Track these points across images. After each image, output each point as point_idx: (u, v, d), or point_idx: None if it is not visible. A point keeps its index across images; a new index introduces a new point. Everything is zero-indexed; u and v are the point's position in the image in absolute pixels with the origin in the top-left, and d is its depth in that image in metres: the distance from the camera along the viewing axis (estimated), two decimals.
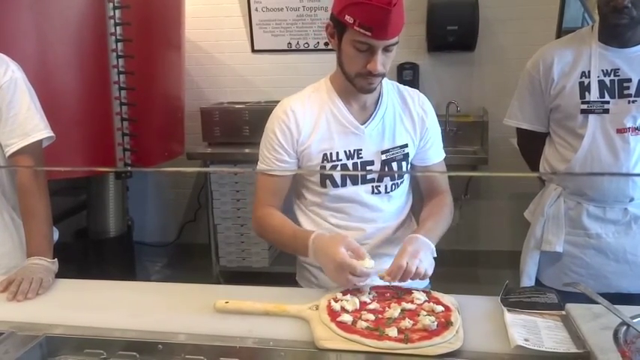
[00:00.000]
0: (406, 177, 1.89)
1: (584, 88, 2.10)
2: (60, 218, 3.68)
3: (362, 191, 1.82)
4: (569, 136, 2.17)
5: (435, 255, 1.71)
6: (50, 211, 1.93)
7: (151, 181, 4.93)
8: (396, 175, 1.84)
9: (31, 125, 1.90)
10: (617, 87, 2.09)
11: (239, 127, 4.14)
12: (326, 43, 4.42)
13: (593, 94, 2.09)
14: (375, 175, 1.82)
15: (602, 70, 2.10)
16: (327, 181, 1.81)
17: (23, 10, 3.05)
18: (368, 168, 1.80)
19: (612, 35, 2.09)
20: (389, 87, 1.86)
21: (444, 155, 1.94)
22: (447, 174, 1.77)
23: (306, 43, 4.48)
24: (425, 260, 1.61)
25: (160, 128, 3.86)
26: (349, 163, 1.79)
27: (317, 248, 1.63)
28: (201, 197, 4.68)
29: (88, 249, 4.00)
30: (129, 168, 3.64)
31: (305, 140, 1.79)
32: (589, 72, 2.10)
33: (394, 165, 1.82)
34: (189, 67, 4.45)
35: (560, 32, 3.94)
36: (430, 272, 1.61)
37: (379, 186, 1.82)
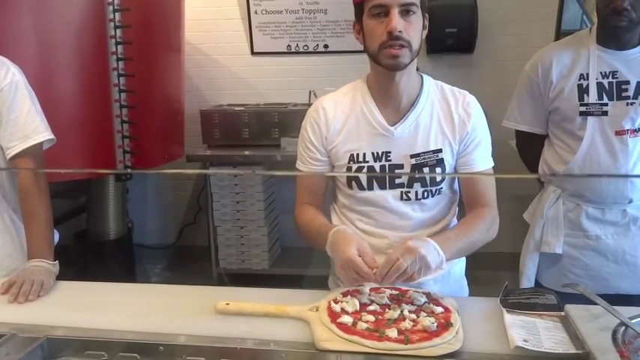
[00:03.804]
0: (445, 185, 1.76)
1: (582, 91, 2.11)
2: (60, 220, 3.67)
3: (390, 196, 1.73)
4: (568, 138, 2.18)
5: (443, 268, 1.60)
6: (51, 213, 1.94)
7: (151, 184, 4.93)
8: (428, 182, 1.72)
9: (32, 128, 1.90)
10: (615, 89, 2.09)
11: (239, 130, 4.14)
12: (325, 46, 4.43)
13: (592, 97, 2.10)
14: (404, 180, 1.72)
15: (601, 73, 2.11)
16: (353, 183, 1.75)
17: (23, 12, 3.06)
18: (397, 172, 1.72)
19: (611, 37, 2.10)
20: (431, 87, 1.77)
21: (491, 164, 1.80)
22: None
23: (306, 45, 4.49)
24: (420, 261, 1.48)
25: (159, 130, 3.87)
26: (376, 166, 1.72)
27: (333, 242, 1.62)
28: (201, 199, 4.68)
29: (88, 251, 4.00)
30: (129, 170, 3.64)
31: (333, 139, 1.76)
32: (587, 74, 2.11)
33: (426, 170, 1.72)
34: (189, 69, 4.46)
35: (559, 34, 3.95)
36: (417, 276, 1.49)
37: (409, 192, 1.73)
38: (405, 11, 1.60)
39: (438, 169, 1.72)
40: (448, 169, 1.74)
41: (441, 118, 1.74)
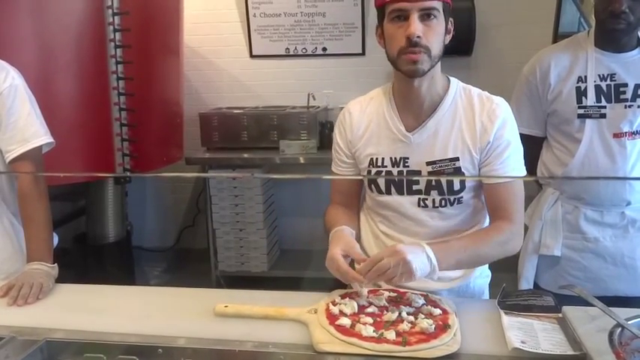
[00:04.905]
0: (466, 195, 1.71)
1: (580, 93, 2.11)
2: (59, 223, 3.68)
3: (407, 202, 1.72)
4: (567, 140, 2.18)
5: (434, 279, 1.57)
6: (50, 216, 1.94)
7: (150, 187, 4.93)
8: (445, 190, 1.69)
9: (31, 131, 1.91)
10: (613, 92, 2.10)
11: (237, 132, 4.15)
12: (324, 49, 4.44)
13: (590, 99, 2.10)
14: (421, 187, 1.70)
15: (599, 75, 2.11)
16: (373, 187, 1.76)
17: (23, 16, 3.06)
18: (414, 179, 1.70)
19: (609, 40, 2.10)
20: (458, 92, 1.73)
21: (520, 174, 1.74)
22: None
23: (304, 48, 4.49)
24: (403, 266, 1.45)
25: (158, 133, 3.87)
26: (394, 171, 1.71)
27: (330, 241, 1.66)
28: (200, 202, 4.68)
29: (87, 254, 4.00)
30: (128, 173, 3.65)
31: (356, 142, 1.77)
32: (585, 77, 2.11)
33: (443, 179, 1.68)
34: (188, 72, 4.47)
35: (557, 37, 3.95)
36: (398, 281, 1.48)
37: (426, 199, 1.70)
38: (426, 15, 1.56)
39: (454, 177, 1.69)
40: (468, 179, 1.69)
41: (462, 125, 1.69)
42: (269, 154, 4.06)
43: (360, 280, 1.53)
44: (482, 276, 1.83)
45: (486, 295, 1.86)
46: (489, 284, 1.88)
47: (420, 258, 1.49)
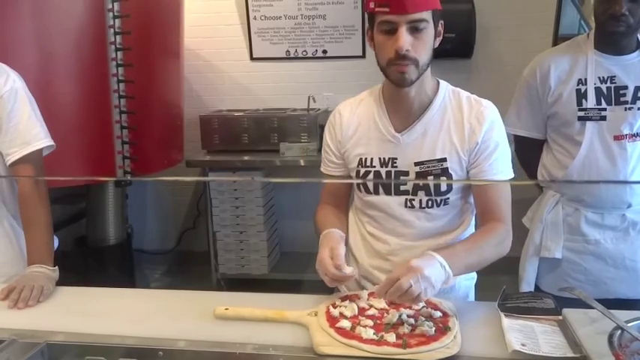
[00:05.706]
0: (453, 196, 1.72)
1: (580, 96, 2.12)
2: (59, 226, 3.68)
3: (394, 203, 1.73)
4: (567, 143, 2.18)
5: (451, 284, 1.55)
6: (51, 219, 1.94)
7: (150, 189, 4.93)
8: (432, 191, 1.70)
9: (32, 134, 1.91)
10: (613, 94, 2.10)
11: (238, 135, 4.15)
12: (324, 51, 4.45)
13: (590, 102, 2.11)
14: (409, 188, 1.71)
15: (599, 78, 2.11)
16: (361, 186, 1.79)
17: (23, 19, 3.07)
18: (402, 179, 1.72)
19: (608, 43, 2.11)
20: (447, 94, 1.74)
21: (507, 176, 1.72)
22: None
23: (305, 50, 4.50)
24: (424, 281, 1.42)
25: (159, 136, 3.87)
26: (383, 171, 1.73)
27: (320, 243, 1.67)
28: (200, 205, 4.68)
29: (88, 257, 4.00)
30: (128, 177, 3.65)
31: (346, 143, 1.79)
32: (585, 79, 2.12)
33: (430, 179, 1.69)
34: (189, 75, 4.47)
35: (557, 39, 3.96)
36: (424, 296, 1.43)
37: (413, 200, 1.71)
38: (414, 28, 1.57)
39: (443, 179, 1.69)
40: (455, 179, 1.71)
41: (451, 127, 1.70)
42: (269, 156, 4.06)
43: (346, 281, 1.57)
44: (467, 277, 1.83)
45: (471, 297, 1.88)
46: (475, 285, 1.89)
47: (436, 269, 1.47)
